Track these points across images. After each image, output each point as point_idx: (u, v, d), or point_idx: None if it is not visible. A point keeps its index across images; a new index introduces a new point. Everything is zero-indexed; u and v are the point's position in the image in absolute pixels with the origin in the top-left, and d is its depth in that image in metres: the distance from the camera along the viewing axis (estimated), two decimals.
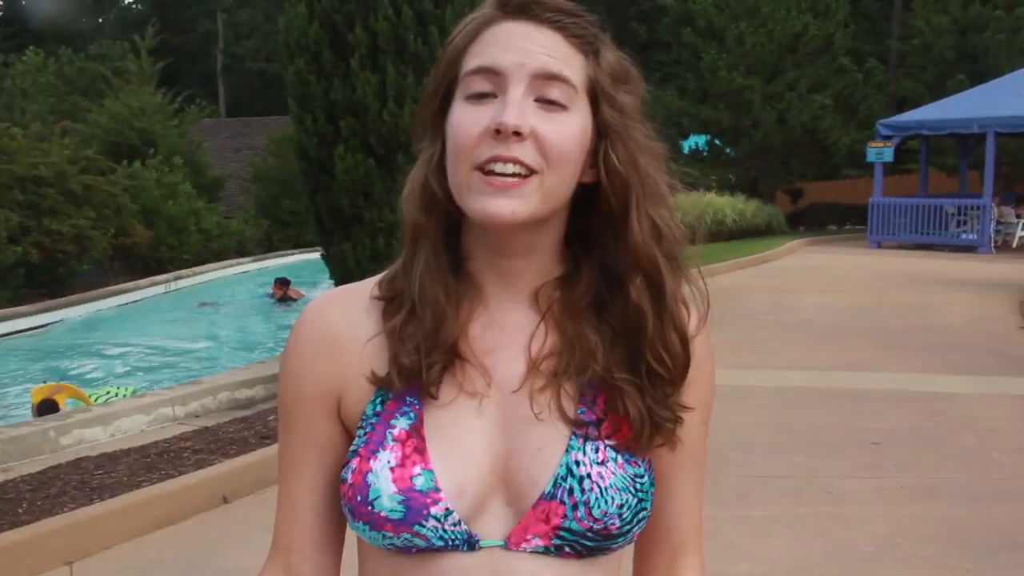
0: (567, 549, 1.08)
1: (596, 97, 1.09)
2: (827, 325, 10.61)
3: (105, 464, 5.44)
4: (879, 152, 21.55)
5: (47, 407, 7.89)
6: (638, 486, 1.10)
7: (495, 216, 1.04)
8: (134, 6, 54.41)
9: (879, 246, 21.68)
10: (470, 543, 1.07)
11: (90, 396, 8.50)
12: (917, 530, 4.63)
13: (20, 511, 4.60)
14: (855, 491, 5.22)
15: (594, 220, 1.13)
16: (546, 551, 1.08)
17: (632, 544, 1.17)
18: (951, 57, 26.81)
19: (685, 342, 1.12)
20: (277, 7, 29.75)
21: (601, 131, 1.10)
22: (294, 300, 15.38)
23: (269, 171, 25.54)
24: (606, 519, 1.07)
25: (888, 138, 21.58)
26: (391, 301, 1.13)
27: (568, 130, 1.06)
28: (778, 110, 25.42)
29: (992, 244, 20.51)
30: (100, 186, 16.83)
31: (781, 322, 10.71)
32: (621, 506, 1.08)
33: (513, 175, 1.04)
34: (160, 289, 16.85)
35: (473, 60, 1.07)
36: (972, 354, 8.88)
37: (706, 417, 1.22)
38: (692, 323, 1.15)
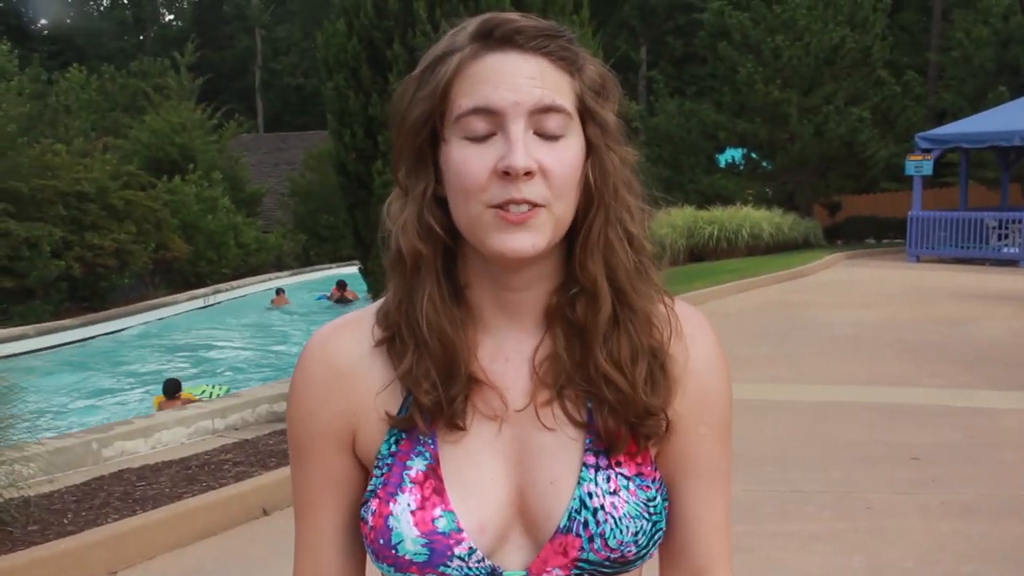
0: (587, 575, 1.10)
1: (583, 115, 1.09)
2: (866, 339, 10.52)
3: (147, 476, 5.51)
4: (918, 165, 21.37)
5: (172, 387, 8.88)
6: (651, 510, 1.11)
7: (516, 252, 1.04)
8: (174, 23, 55.13)
9: (918, 260, 21.48)
10: (494, 574, 1.08)
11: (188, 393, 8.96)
12: (957, 546, 4.59)
13: (65, 521, 4.67)
14: (894, 506, 5.18)
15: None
16: None
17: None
18: (992, 69, 26.56)
19: (638, 357, 1.11)
20: (315, 23, 30.01)
21: (586, 149, 1.10)
22: (351, 301, 16.50)
23: (307, 186, 25.76)
24: (623, 548, 1.08)
25: (927, 151, 21.39)
26: (392, 340, 1.13)
27: (568, 159, 1.06)
28: (815, 123, 25.27)
29: None
30: (141, 201, 17.07)
31: (819, 336, 10.64)
32: (636, 533, 1.09)
33: (527, 210, 1.04)
34: (199, 303, 17.03)
35: (465, 100, 1.06)
36: (1013, 369, 8.78)
37: (722, 435, 1.20)
38: (672, 340, 1.14)
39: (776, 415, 6.97)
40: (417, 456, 1.10)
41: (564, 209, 1.06)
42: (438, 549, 1.06)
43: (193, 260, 18.87)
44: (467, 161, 1.05)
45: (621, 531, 1.08)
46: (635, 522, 1.09)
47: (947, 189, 27.09)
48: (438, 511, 1.07)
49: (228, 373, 11.54)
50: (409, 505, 1.07)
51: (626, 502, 1.09)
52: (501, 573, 1.08)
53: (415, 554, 1.06)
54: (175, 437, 6.63)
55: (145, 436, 6.51)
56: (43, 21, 48.41)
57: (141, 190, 17.67)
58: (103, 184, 16.03)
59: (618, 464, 1.11)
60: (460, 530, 1.07)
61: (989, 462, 5.97)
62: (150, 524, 4.65)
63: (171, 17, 56.18)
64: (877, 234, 27.85)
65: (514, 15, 1.07)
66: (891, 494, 5.38)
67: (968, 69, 27.50)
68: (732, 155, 28.12)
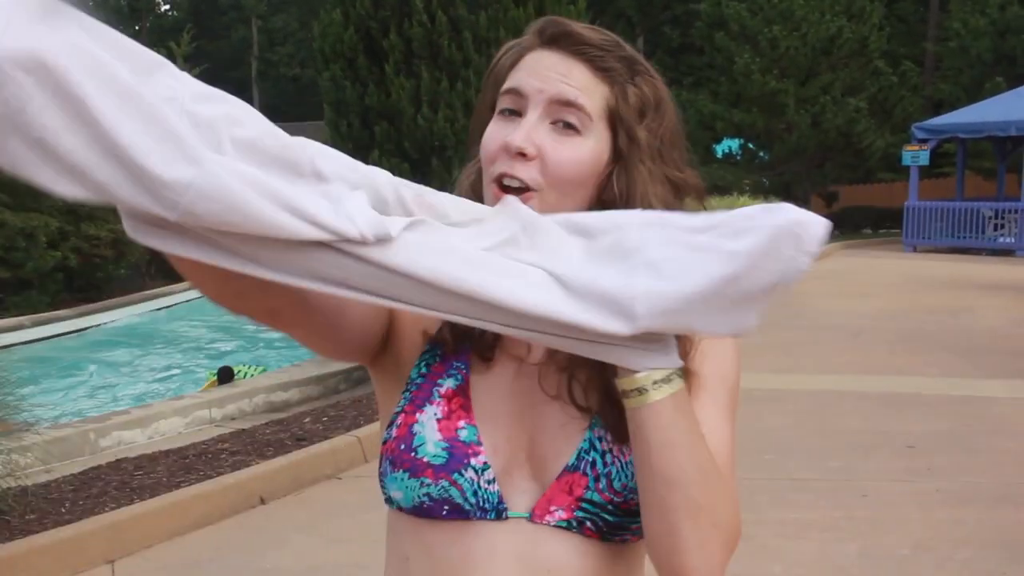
0: (589, 524, 1.12)
1: (615, 126, 1.17)
2: (862, 329, 10.54)
3: (145, 465, 5.52)
4: (915, 155, 21.38)
5: (226, 374, 9.00)
6: None
7: None
8: (170, 13, 54.94)
9: (915, 250, 21.50)
10: (499, 511, 1.12)
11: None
12: (952, 533, 4.61)
13: (63, 510, 4.68)
14: (890, 494, 5.20)
15: None
16: (568, 525, 1.12)
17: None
18: (988, 59, 26.56)
19: None
20: (312, 13, 29.91)
21: (615, 158, 1.17)
22: None
23: None
24: (626, 492, 1.11)
25: (924, 141, 21.40)
26: None
27: (575, 154, 1.14)
28: (812, 113, 25.27)
29: None
30: None
31: (816, 325, 10.65)
32: None
33: (518, 189, 1.12)
34: (196, 292, 17.01)
35: (508, 82, 1.18)
36: (1009, 358, 8.79)
37: (720, 399, 1.22)
38: None
39: (774, 404, 6.98)
40: (449, 376, 1.19)
41: (556, 199, 1.13)
42: (456, 455, 1.12)
43: None
44: (490, 132, 1.17)
45: (627, 475, 1.12)
46: None
47: (944, 179, 27.10)
48: (462, 423, 1.15)
49: (258, 351, 11.62)
50: (436, 415, 1.15)
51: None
52: (506, 509, 1.13)
53: (434, 456, 1.13)
54: (172, 427, 6.64)
55: (142, 426, 6.52)
56: None
57: None
58: None
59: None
60: (480, 443, 1.14)
61: (984, 450, 5.99)
62: (148, 513, 4.66)
63: (167, 7, 56.02)
64: (874, 224, 27.88)
65: (574, 23, 1.19)
66: (887, 482, 5.40)
67: (965, 59, 27.50)
68: (729, 145, 28.12)
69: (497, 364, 1.20)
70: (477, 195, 1.18)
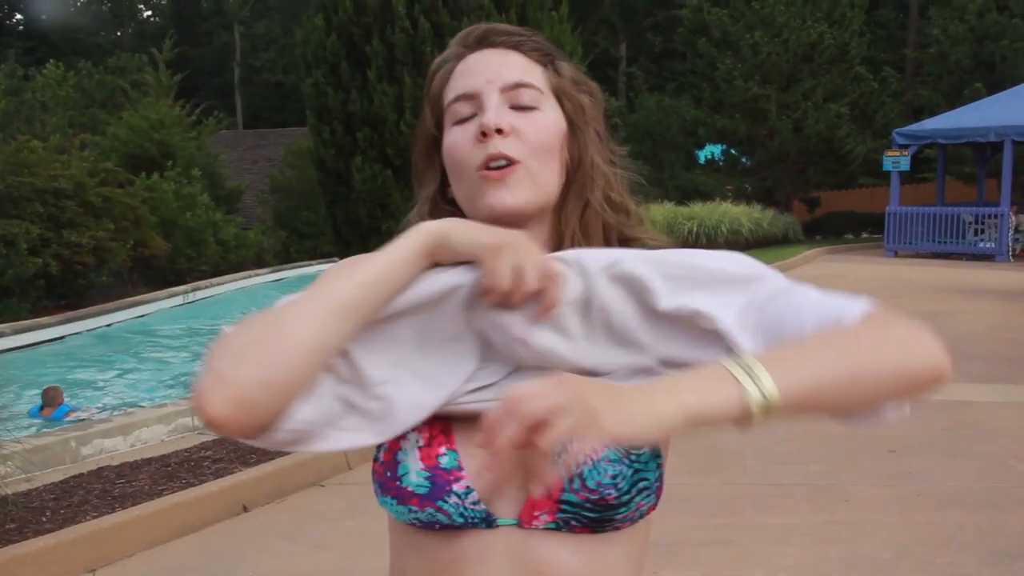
0: (574, 523, 1.13)
1: (560, 98, 1.24)
2: None
3: (127, 473, 5.49)
4: (895, 161, 21.49)
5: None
6: (633, 457, 1.14)
7: (502, 206, 1.17)
8: (152, 19, 54.78)
9: (896, 255, 21.61)
10: (488, 522, 1.14)
11: None
12: (934, 537, 4.63)
13: (43, 519, 4.65)
14: (872, 498, 5.22)
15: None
16: (556, 527, 1.13)
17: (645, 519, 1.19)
18: (968, 65, 26.76)
19: None
20: (294, 19, 29.90)
21: (569, 127, 1.24)
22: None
23: (286, 183, 25.67)
24: (601, 489, 1.12)
25: (904, 147, 21.51)
26: None
27: (542, 123, 1.21)
28: (794, 119, 25.39)
29: (1010, 253, 20.42)
30: (119, 198, 16.94)
31: None
32: (615, 476, 1.12)
33: (504, 167, 1.17)
34: (178, 300, 16.95)
35: (451, 93, 1.23)
36: (989, 363, 8.85)
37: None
38: None
39: None
40: None
41: (540, 168, 1.19)
42: (438, 483, 1.14)
43: (172, 257, 18.76)
44: (455, 139, 1.21)
45: (599, 472, 1.12)
46: (613, 465, 1.12)
47: (924, 185, 27.25)
48: (443, 448, 1.15)
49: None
50: (418, 442, 1.16)
51: (605, 447, 1.11)
52: (495, 519, 1.14)
53: (417, 485, 1.14)
54: (154, 434, 6.61)
55: (124, 434, 6.48)
56: (42, 16, 48.00)
57: (119, 187, 17.55)
58: (81, 181, 15.90)
59: None
60: (460, 468, 1.14)
61: (965, 454, 6.03)
62: (129, 521, 4.63)
63: (149, 13, 55.84)
64: (855, 229, 28.02)
65: (492, 24, 1.27)
66: (869, 487, 5.42)
67: (944, 65, 27.70)
68: (711, 151, 28.21)
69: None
70: (440, 216, 1.21)
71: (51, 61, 30.71)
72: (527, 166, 1.18)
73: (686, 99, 28.33)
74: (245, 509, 5.15)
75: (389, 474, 1.16)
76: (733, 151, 27.95)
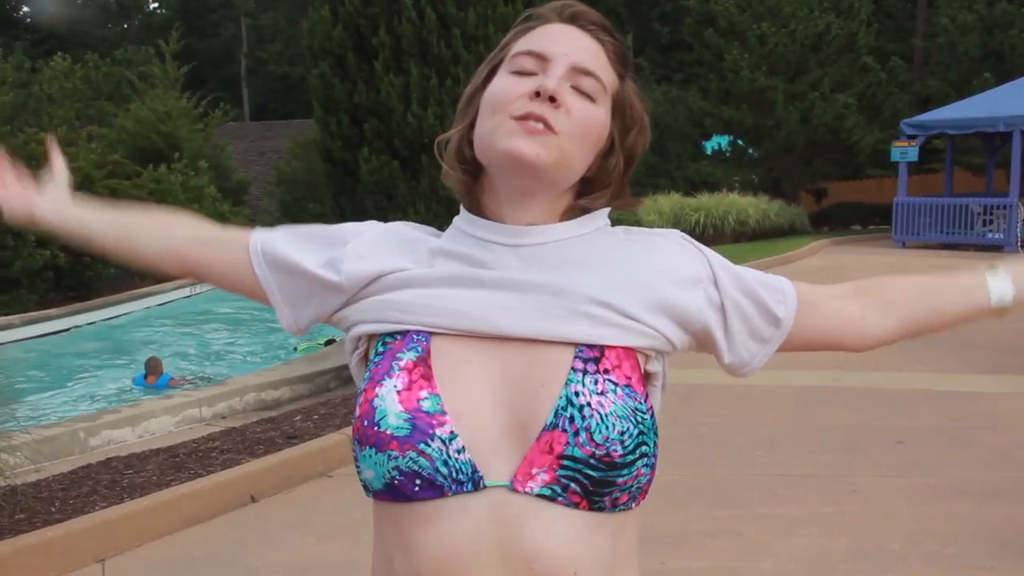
0: (573, 486, 1.10)
1: (615, 107, 1.25)
2: None
3: (135, 464, 5.50)
4: (903, 151, 21.43)
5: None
6: (639, 418, 1.13)
7: (522, 152, 1.16)
8: (158, 11, 54.74)
9: (904, 246, 21.56)
10: (474, 480, 1.11)
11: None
12: (942, 528, 4.63)
13: (53, 510, 4.67)
14: (880, 489, 5.22)
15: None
16: (552, 492, 1.10)
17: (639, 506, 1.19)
18: (976, 55, 26.63)
19: None
20: (301, 11, 29.87)
21: (612, 137, 1.26)
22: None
23: (293, 174, 25.66)
24: (608, 444, 1.10)
25: (912, 137, 21.45)
26: None
27: (592, 114, 1.21)
28: (801, 110, 25.31)
29: (1019, 243, 20.34)
30: (126, 190, 16.98)
31: None
32: (622, 433, 1.11)
33: (542, 129, 1.17)
34: (185, 292, 16.98)
35: (523, 44, 1.24)
36: (996, 354, 8.83)
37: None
38: None
39: (763, 400, 7.00)
40: (409, 350, 1.17)
41: (572, 150, 1.19)
42: (420, 426, 1.11)
43: None
44: (506, 86, 1.21)
45: (607, 427, 1.11)
46: (621, 422, 1.12)
47: (932, 175, 27.18)
48: (424, 392, 1.13)
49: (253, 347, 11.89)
50: (396, 387, 1.14)
51: (613, 403, 1.12)
52: (482, 478, 1.11)
53: (396, 428, 1.11)
54: (162, 425, 6.62)
55: (132, 424, 6.50)
56: (39, 10, 47.99)
57: (126, 179, 17.57)
58: (88, 173, 15.92)
59: (606, 372, 1.14)
60: (444, 412, 1.12)
61: (973, 445, 6.02)
62: (138, 512, 4.65)
63: (155, 5, 55.79)
64: (863, 220, 27.92)
65: (587, 8, 1.27)
66: (877, 477, 5.42)
67: (953, 55, 27.56)
68: (718, 142, 28.16)
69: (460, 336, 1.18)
70: (461, 159, 1.25)
71: (58, 53, 30.68)
72: (561, 141, 1.17)
73: (693, 90, 28.27)
74: (253, 500, 5.16)
75: (366, 423, 1.13)
76: (740, 142, 27.89)
